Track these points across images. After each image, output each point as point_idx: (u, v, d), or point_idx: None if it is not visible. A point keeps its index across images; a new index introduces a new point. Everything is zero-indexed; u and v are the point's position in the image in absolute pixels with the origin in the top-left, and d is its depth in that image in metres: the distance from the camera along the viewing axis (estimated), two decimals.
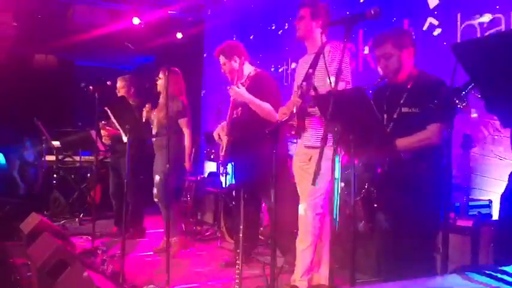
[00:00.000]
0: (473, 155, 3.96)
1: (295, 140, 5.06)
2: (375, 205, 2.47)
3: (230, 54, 4.26)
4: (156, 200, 4.96)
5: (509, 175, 2.58)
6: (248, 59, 4.37)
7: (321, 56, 3.01)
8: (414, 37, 2.90)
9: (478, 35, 4.17)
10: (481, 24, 4.17)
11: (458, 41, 4.22)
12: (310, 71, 3.25)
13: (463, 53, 1.90)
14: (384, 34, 2.84)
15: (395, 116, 2.73)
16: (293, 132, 3.49)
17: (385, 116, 2.79)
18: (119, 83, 5.55)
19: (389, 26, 4.94)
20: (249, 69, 4.33)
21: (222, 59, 4.31)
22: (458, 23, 4.36)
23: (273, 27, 7.05)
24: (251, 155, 4.17)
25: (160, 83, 4.87)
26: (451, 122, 2.67)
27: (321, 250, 3.47)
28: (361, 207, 2.56)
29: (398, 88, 2.78)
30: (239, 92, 4.00)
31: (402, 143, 2.62)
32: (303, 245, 3.47)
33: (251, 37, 7.46)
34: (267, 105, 3.99)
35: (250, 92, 4.07)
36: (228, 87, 4.08)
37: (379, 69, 2.87)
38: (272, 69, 6.77)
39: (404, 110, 2.69)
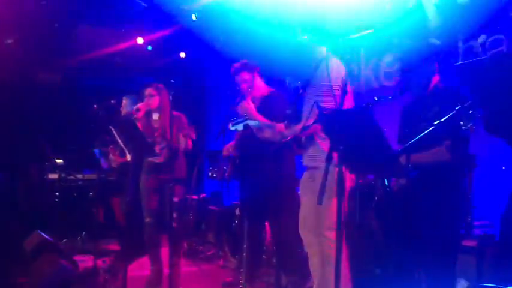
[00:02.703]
0: (478, 174, 3.96)
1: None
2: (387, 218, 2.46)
3: (249, 72, 4.30)
4: (148, 219, 4.90)
5: (509, 195, 2.58)
6: (262, 78, 4.40)
7: (319, 72, 3.03)
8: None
9: (479, 55, 4.20)
10: (482, 44, 4.20)
11: (460, 61, 4.25)
12: (301, 91, 3.25)
13: (466, 73, 1.92)
14: (409, 48, 2.86)
15: (414, 131, 2.72)
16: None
17: (407, 130, 2.79)
18: (124, 102, 5.57)
19: (391, 46, 4.99)
20: (263, 88, 4.36)
21: (241, 75, 4.33)
22: (460, 43, 4.39)
23: (273, 45, 7.10)
24: (257, 173, 4.16)
25: (151, 102, 4.77)
26: (464, 140, 2.67)
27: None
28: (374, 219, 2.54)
29: (421, 103, 2.79)
30: (248, 108, 3.98)
31: (416, 158, 2.61)
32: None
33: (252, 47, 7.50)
34: (272, 127, 3.96)
35: (260, 110, 4.08)
36: (238, 104, 4.07)
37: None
38: None
39: (423, 125, 2.69)
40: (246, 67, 4.31)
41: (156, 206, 4.68)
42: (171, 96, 4.34)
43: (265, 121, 3.91)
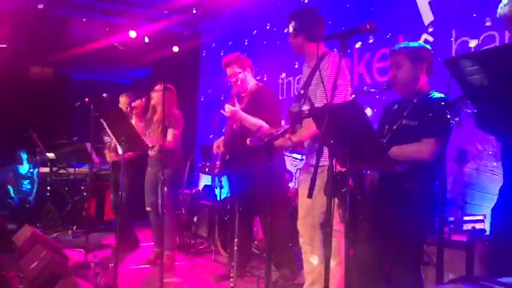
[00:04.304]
0: (468, 170, 3.98)
1: (295, 155, 5.05)
2: (360, 216, 2.45)
3: (238, 66, 4.26)
4: (149, 209, 4.97)
5: (499, 189, 2.59)
6: (253, 72, 4.37)
7: (316, 71, 3.01)
8: (432, 55, 2.85)
9: (472, 50, 4.22)
10: (475, 40, 4.22)
11: (453, 56, 4.27)
12: (302, 91, 3.23)
13: (457, 67, 1.92)
14: (400, 45, 2.87)
15: (394, 127, 2.74)
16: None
17: (387, 126, 2.80)
18: (122, 99, 5.61)
19: (384, 42, 5.00)
20: (251, 82, 4.33)
21: (230, 70, 4.29)
22: (453, 38, 4.41)
23: (267, 42, 7.11)
24: (247, 168, 4.15)
25: (156, 98, 4.89)
26: (446, 139, 2.68)
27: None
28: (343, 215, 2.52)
29: (405, 102, 2.79)
30: (233, 110, 3.93)
31: (394, 151, 2.62)
32: (335, 261, 3.26)
33: (245, 43, 7.51)
34: (261, 123, 3.92)
35: (250, 106, 4.06)
36: (224, 107, 4.02)
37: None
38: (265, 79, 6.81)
39: (405, 122, 2.70)
40: (238, 61, 4.28)
41: (154, 197, 4.89)
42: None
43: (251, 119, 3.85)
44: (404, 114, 2.71)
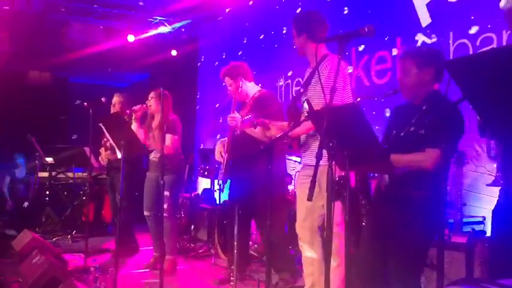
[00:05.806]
0: (467, 171, 3.98)
1: (294, 157, 5.05)
2: (363, 223, 2.44)
3: (235, 75, 4.28)
4: (147, 214, 4.97)
5: (499, 191, 2.59)
6: (253, 79, 4.39)
7: (316, 71, 3.02)
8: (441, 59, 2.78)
9: (470, 53, 4.23)
10: (473, 42, 4.23)
11: (451, 58, 4.27)
12: (302, 90, 3.25)
13: (456, 69, 1.92)
14: (408, 49, 2.85)
15: (402, 134, 2.70)
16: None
17: (394, 132, 2.76)
18: (115, 98, 5.57)
19: (382, 44, 5.01)
20: (254, 89, 4.35)
21: (227, 80, 4.32)
22: (451, 41, 4.42)
23: (266, 45, 7.12)
24: (247, 172, 4.16)
25: (153, 106, 4.91)
26: (453, 148, 2.66)
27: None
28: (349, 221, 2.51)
29: (415, 108, 2.74)
30: (237, 118, 3.94)
31: (396, 158, 2.60)
32: (334, 263, 3.12)
33: (244, 44, 7.52)
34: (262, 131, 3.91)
35: (253, 112, 4.06)
36: (228, 117, 4.03)
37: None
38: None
39: (413, 129, 2.65)
40: (229, 73, 4.31)
41: (155, 201, 4.88)
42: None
43: (265, 121, 3.82)
44: (413, 121, 2.66)
